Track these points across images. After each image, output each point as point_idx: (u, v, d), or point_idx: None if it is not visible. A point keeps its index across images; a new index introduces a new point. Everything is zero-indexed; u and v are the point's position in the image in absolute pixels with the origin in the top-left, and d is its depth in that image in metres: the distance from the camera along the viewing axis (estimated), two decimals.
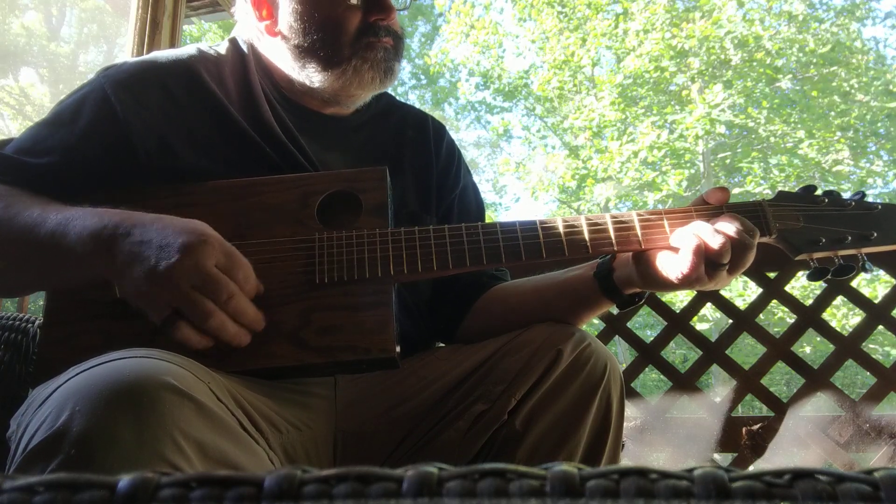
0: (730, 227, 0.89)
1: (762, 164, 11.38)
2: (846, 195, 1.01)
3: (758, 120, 11.12)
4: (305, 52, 1.12)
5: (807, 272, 1.00)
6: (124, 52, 2.75)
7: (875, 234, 0.95)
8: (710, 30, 11.34)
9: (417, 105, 1.36)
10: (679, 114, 11.58)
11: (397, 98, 1.33)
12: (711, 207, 0.96)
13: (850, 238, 0.95)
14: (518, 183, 15.66)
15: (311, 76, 1.13)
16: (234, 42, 1.18)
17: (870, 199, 1.00)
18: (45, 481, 0.26)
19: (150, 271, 0.80)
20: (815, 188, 1.01)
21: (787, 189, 1.02)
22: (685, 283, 0.91)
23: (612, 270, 1.00)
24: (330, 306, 0.91)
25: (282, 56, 1.15)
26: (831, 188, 1.02)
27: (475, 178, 1.32)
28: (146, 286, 0.80)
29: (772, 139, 11.29)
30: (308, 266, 0.93)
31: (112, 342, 0.78)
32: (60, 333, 0.91)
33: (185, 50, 1.13)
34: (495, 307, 1.12)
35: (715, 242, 0.88)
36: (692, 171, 11.92)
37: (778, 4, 11.81)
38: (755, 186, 11.08)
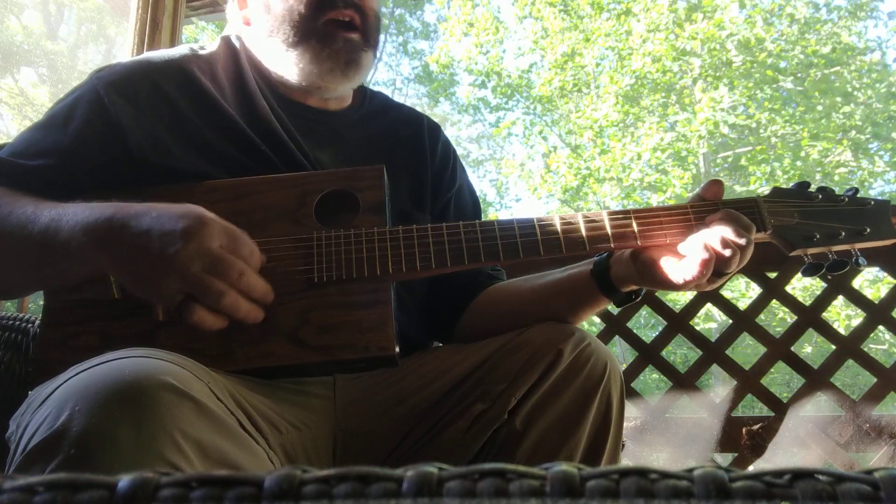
0: (732, 233, 0.89)
1: (765, 164, 11.36)
2: (839, 191, 1.01)
3: (760, 121, 11.12)
4: (269, 34, 1.12)
5: (802, 267, 1.01)
6: (123, 51, 2.75)
7: (868, 230, 0.97)
8: (713, 31, 11.33)
9: (417, 102, 1.36)
10: (682, 114, 11.56)
11: (392, 98, 1.33)
12: (708, 204, 0.97)
13: (843, 234, 0.96)
14: (519, 182, 15.63)
15: (278, 61, 1.13)
16: (225, 39, 1.19)
17: (862, 196, 1.01)
18: (44, 481, 0.26)
19: (156, 261, 0.79)
20: (808, 184, 1.01)
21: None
22: (686, 286, 0.92)
23: (609, 268, 1.01)
24: (328, 305, 0.91)
25: (257, 44, 1.15)
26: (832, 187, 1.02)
27: (476, 178, 1.32)
28: (152, 276, 0.80)
29: (774, 140, 11.28)
30: (306, 265, 0.93)
31: (111, 342, 0.78)
32: (59, 334, 0.91)
33: (178, 50, 1.13)
34: (491, 308, 1.12)
35: (724, 252, 0.88)
36: (695, 171, 11.91)
37: (780, 6, 11.79)
38: (758, 186, 11.07)
